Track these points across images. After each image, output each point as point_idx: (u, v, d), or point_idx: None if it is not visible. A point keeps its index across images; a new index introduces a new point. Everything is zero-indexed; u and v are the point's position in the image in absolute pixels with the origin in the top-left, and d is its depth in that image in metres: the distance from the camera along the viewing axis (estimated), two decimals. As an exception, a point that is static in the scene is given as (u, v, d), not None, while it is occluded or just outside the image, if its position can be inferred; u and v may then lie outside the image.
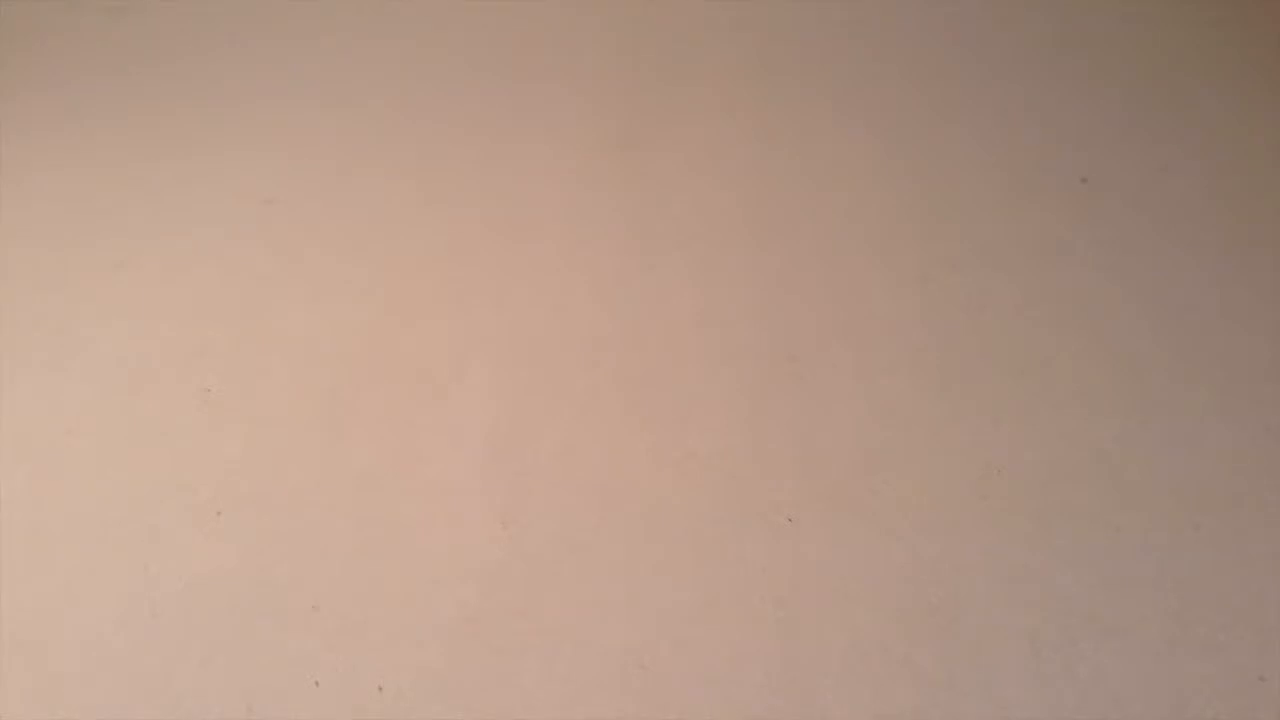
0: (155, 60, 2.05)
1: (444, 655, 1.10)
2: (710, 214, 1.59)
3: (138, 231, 1.67)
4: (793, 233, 1.55)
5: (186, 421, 1.37)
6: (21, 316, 1.54)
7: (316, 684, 1.09)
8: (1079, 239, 1.49)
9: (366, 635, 1.13)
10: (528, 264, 1.55)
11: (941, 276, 1.46)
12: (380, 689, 1.08)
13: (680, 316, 1.44)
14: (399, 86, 1.92)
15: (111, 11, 2.18)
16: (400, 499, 1.25)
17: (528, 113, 1.83)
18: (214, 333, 1.49)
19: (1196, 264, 1.43)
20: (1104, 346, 1.34)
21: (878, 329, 1.40)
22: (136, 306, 1.54)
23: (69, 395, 1.42)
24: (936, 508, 1.19)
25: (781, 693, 1.05)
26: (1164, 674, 1.03)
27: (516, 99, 1.86)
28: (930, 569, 1.13)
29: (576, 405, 1.34)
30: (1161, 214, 1.51)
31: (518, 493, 1.25)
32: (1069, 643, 1.06)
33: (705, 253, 1.53)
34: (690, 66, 1.89)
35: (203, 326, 1.50)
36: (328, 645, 1.12)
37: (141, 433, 1.36)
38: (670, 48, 1.94)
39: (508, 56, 1.97)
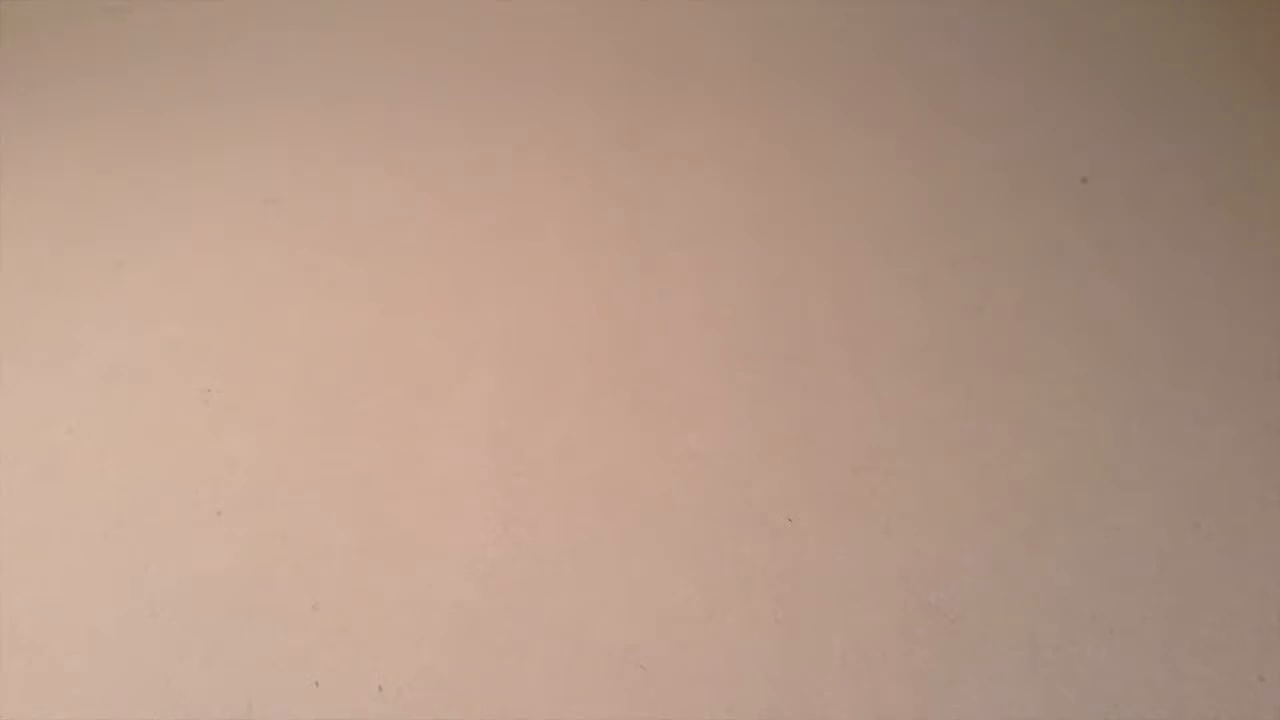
0: (155, 60, 2.05)
1: (444, 655, 1.10)
2: (711, 214, 1.59)
3: (138, 231, 1.67)
4: (793, 233, 1.55)
5: (186, 421, 1.37)
6: (21, 316, 1.54)
7: (316, 684, 1.09)
8: (1079, 239, 1.49)
9: (366, 635, 1.13)
10: (528, 264, 1.55)
11: (942, 276, 1.46)
12: (380, 689, 1.08)
13: (680, 316, 1.44)
14: (399, 86, 1.92)
15: (111, 11, 2.18)
16: (400, 499, 1.25)
17: (528, 113, 1.83)
18: (214, 333, 1.49)
19: (1196, 264, 1.43)
20: (1104, 346, 1.34)
21: (878, 329, 1.40)
22: (136, 306, 1.54)
23: (69, 395, 1.42)
24: (936, 508, 1.19)
25: (781, 693, 1.05)
26: (1164, 674, 1.03)
27: (517, 99, 1.86)
28: (930, 569, 1.13)
29: (577, 405, 1.34)
30: (1161, 214, 1.51)
31: (519, 493, 1.25)
32: (1069, 643, 1.06)
33: (706, 253, 1.53)
34: (690, 66, 1.89)
35: (203, 326, 1.50)
36: (328, 645, 1.12)
37: (141, 433, 1.36)
38: (670, 48, 1.94)
39: (508, 56, 1.97)
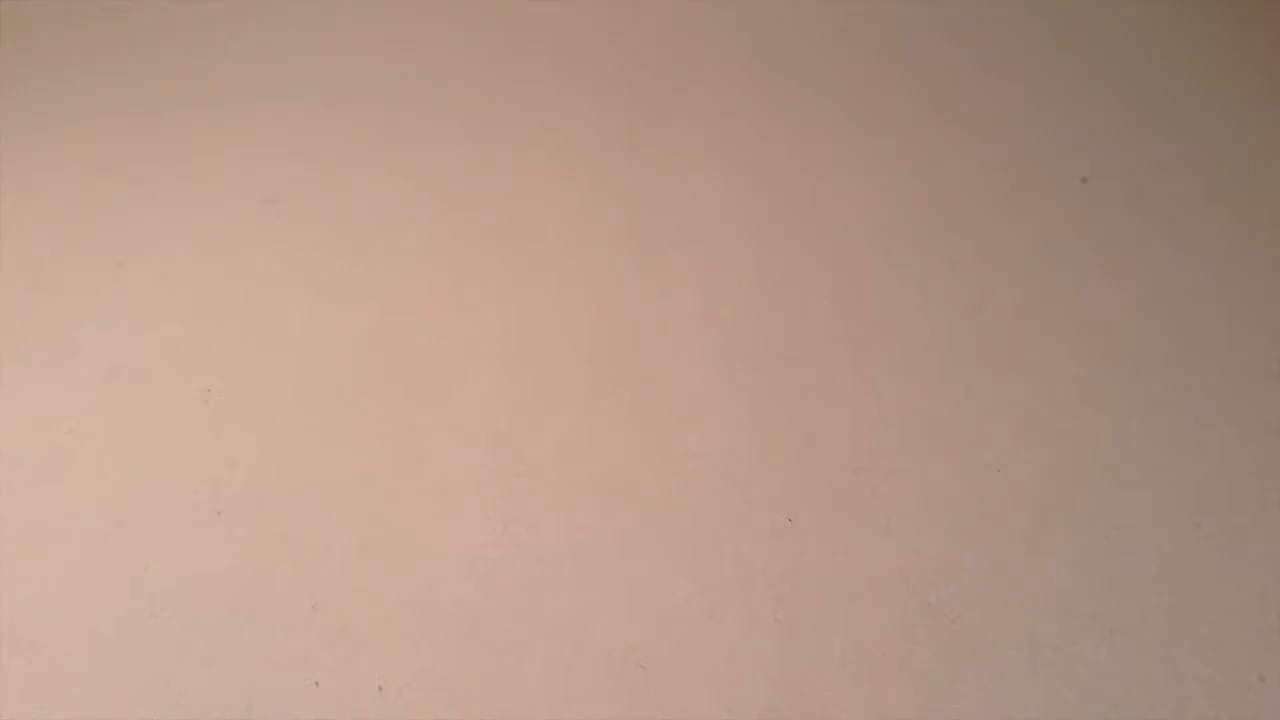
0: (155, 60, 2.05)
1: (444, 655, 1.10)
2: (711, 214, 1.59)
3: (138, 231, 1.67)
4: (793, 233, 1.55)
5: (186, 421, 1.37)
6: (21, 316, 1.54)
7: (316, 684, 1.09)
8: (1079, 239, 1.49)
9: (366, 635, 1.13)
10: (528, 264, 1.55)
11: (942, 276, 1.46)
12: (380, 689, 1.08)
13: (680, 316, 1.44)
14: (399, 86, 1.92)
15: (111, 11, 2.18)
16: (400, 499, 1.25)
17: (528, 112, 1.83)
18: (214, 333, 1.49)
19: (1196, 264, 1.43)
20: (1104, 346, 1.34)
21: (878, 329, 1.40)
22: (136, 306, 1.54)
23: (69, 395, 1.42)
24: (936, 508, 1.19)
25: (781, 693, 1.05)
26: (1164, 674, 1.03)
27: (517, 99, 1.86)
28: (930, 569, 1.13)
29: (577, 405, 1.34)
30: (1161, 214, 1.51)
31: (519, 493, 1.25)
32: (1069, 643, 1.06)
33: (706, 252, 1.53)
34: (690, 66, 1.89)
35: (203, 326, 1.50)
36: (328, 645, 1.12)
37: (141, 433, 1.36)
38: (670, 48, 1.94)
39: (508, 56, 1.97)
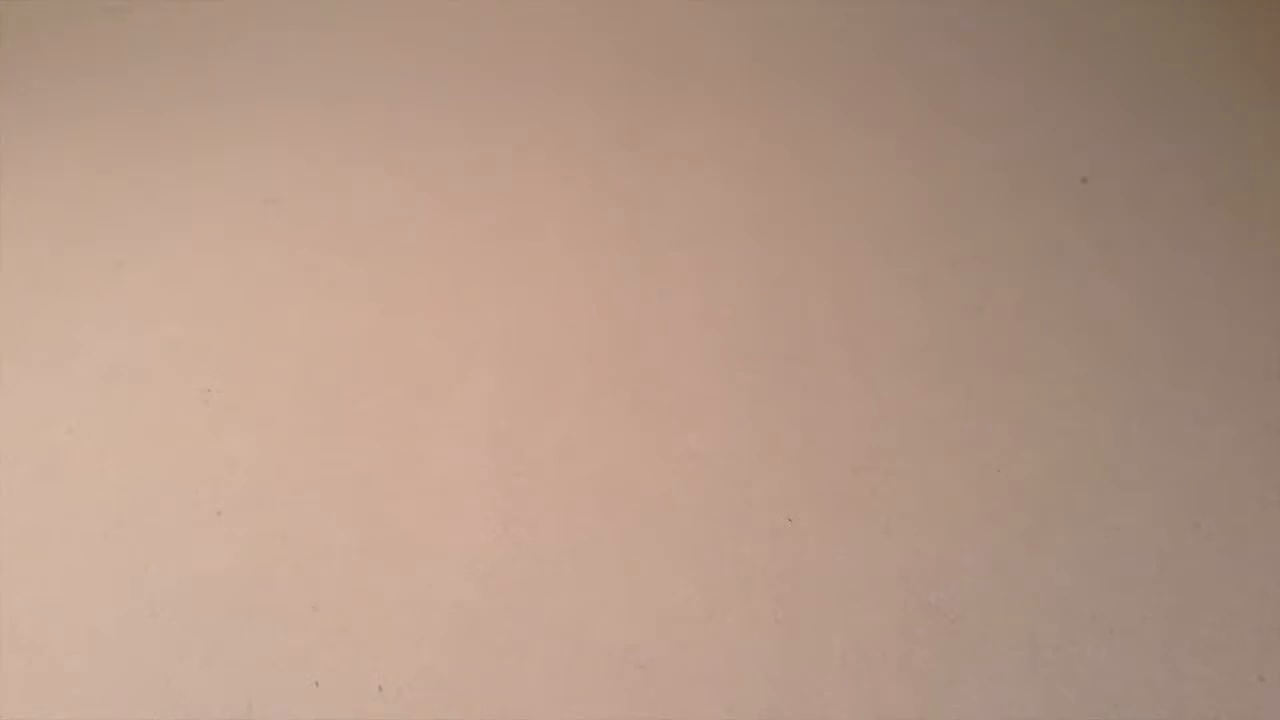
0: (155, 60, 2.05)
1: (444, 655, 1.10)
2: (711, 214, 1.59)
3: (138, 231, 1.67)
4: (793, 233, 1.55)
5: (186, 421, 1.37)
6: (21, 316, 1.54)
7: (316, 684, 1.09)
8: (1079, 239, 1.49)
9: (366, 635, 1.13)
10: (528, 264, 1.55)
11: (942, 276, 1.46)
12: (380, 689, 1.08)
13: (680, 316, 1.44)
14: (399, 86, 1.92)
15: (111, 11, 2.18)
16: (400, 499, 1.25)
17: (528, 112, 1.83)
18: (214, 333, 1.49)
19: (1196, 264, 1.43)
20: (1104, 346, 1.34)
21: (878, 329, 1.40)
22: (136, 306, 1.54)
23: (69, 395, 1.42)
24: (936, 508, 1.19)
25: (781, 693, 1.05)
26: (1164, 674, 1.03)
27: (517, 99, 1.86)
28: (930, 569, 1.13)
29: (577, 405, 1.34)
30: (1161, 214, 1.51)
31: (519, 493, 1.25)
32: (1069, 643, 1.06)
33: (706, 252, 1.53)
34: (690, 66, 1.89)
35: (203, 326, 1.50)
36: (328, 645, 1.12)
37: (141, 433, 1.36)
38: (670, 48, 1.94)
39: (508, 56, 1.97)
